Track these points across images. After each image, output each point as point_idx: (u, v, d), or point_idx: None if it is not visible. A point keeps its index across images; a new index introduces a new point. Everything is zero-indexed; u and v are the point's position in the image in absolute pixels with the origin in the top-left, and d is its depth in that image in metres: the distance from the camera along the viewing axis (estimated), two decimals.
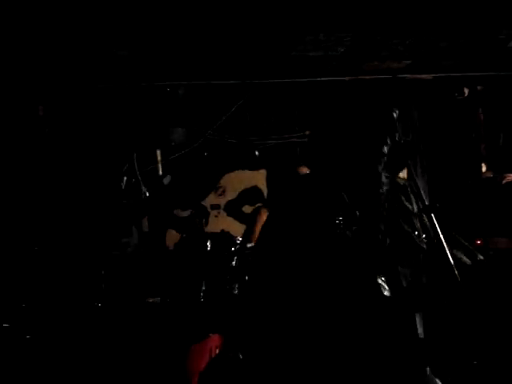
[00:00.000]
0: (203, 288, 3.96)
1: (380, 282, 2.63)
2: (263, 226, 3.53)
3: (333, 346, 2.65)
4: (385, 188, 2.78)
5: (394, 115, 2.84)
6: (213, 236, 4.29)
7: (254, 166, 5.39)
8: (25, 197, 4.88)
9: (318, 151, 3.36)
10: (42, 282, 4.52)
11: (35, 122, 4.98)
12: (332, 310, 2.67)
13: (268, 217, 3.57)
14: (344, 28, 4.53)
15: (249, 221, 4.57)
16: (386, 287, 2.63)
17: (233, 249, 4.05)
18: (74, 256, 4.79)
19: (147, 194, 5.06)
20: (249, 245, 4.02)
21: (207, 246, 4.07)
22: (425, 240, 2.81)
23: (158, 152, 5.29)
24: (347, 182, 2.86)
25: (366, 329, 2.61)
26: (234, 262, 3.99)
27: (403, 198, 2.93)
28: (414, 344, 2.58)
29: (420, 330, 2.58)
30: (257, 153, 5.09)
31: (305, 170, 4.26)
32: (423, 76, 4.99)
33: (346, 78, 4.79)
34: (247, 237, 4.22)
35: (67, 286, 4.57)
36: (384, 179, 2.78)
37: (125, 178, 5.04)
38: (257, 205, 5.27)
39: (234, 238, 4.19)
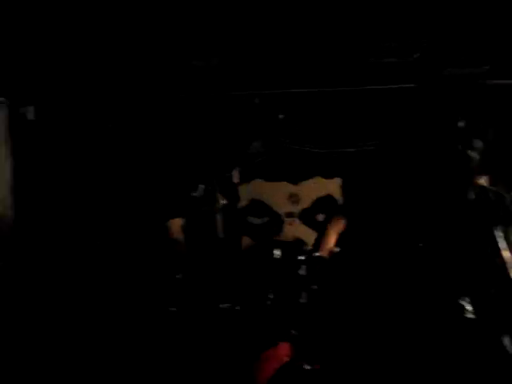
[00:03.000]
0: (271, 296, 3.97)
1: (463, 303, 2.53)
2: (341, 236, 3.50)
3: (408, 364, 2.58)
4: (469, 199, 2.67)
5: (460, 124, 2.75)
6: (283, 244, 4.30)
7: (328, 175, 5.36)
8: (100, 201, 5.06)
9: (393, 160, 3.29)
10: (119, 287, 4.67)
11: (114, 133, 5.15)
12: (409, 328, 2.60)
13: (346, 228, 3.54)
14: (420, 33, 4.46)
15: (320, 229, 4.54)
16: (470, 309, 2.53)
17: (301, 257, 4.03)
18: (150, 261, 4.92)
19: (223, 202, 5.12)
20: (317, 254, 4.00)
21: (276, 254, 4.08)
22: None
23: (235, 160, 5.34)
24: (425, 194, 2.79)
25: (444, 348, 2.52)
26: (302, 271, 3.98)
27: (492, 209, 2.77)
28: (503, 366, 2.46)
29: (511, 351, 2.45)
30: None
31: None
32: (503, 81, 4.82)
33: (422, 85, 4.70)
34: (317, 246, 4.20)
35: (143, 289, 4.70)
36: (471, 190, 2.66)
37: (201, 186, 5.12)
38: (331, 213, 5.23)
39: (303, 247, 4.17)
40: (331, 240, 4.24)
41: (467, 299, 2.50)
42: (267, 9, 4.46)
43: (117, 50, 4.62)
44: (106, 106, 5.08)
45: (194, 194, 5.08)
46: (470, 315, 2.48)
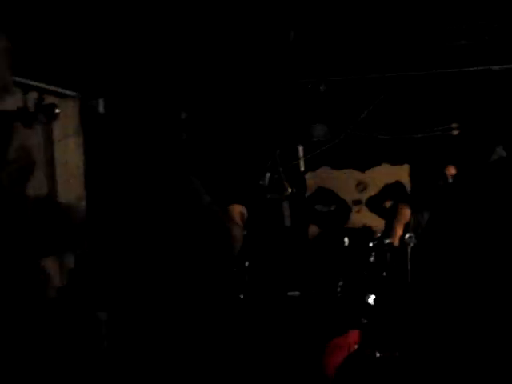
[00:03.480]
0: (341, 283, 3.96)
1: None
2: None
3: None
4: None
5: None
6: (352, 231, 4.28)
7: (396, 161, 5.29)
8: (167, 193, 5.12)
9: (470, 147, 3.19)
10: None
11: (178, 126, 5.20)
12: (492, 322, 2.51)
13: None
14: (490, 15, 4.34)
15: (388, 216, 4.49)
16: None
17: (371, 244, 4.01)
18: (221, 251, 4.96)
19: (290, 190, 5.13)
20: (387, 241, 3.96)
21: (345, 242, 4.07)
22: None
23: (301, 148, 5.34)
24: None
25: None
26: (371, 258, 3.96)
27: None
28: None
29: None
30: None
31: (453, 171, 4.12)
32: None
33: (494, 68, 4.57)
34: (386, 233, 4.16)
35: (214, 278, 4.75)
36: None
37: (268, 174, 5.14)
38: (399, 200, 5.17)
39: (372, 234, 4.14)
40: (400, 227, 4.20)
41: None
42: None
43: (184, 40, 4.66)
44: (175, 97, 5.14)
45: (261, 182, 5.10)
46: None
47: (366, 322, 3.99)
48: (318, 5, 4.47)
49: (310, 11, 4.51)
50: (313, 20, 4.60)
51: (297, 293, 4.34)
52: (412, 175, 5.22)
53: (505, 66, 4.47)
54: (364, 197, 5.39)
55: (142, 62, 4.74)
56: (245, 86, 5.10)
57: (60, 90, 5.02)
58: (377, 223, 5.08)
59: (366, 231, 4.46)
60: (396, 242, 4.03)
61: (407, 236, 3.82)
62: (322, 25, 4.65)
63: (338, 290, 3.97)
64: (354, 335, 4.01)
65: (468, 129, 4.81)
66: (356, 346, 3.96)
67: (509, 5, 4.09)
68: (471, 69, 4.61)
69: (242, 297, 4.52)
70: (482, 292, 2.57)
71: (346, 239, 4.07)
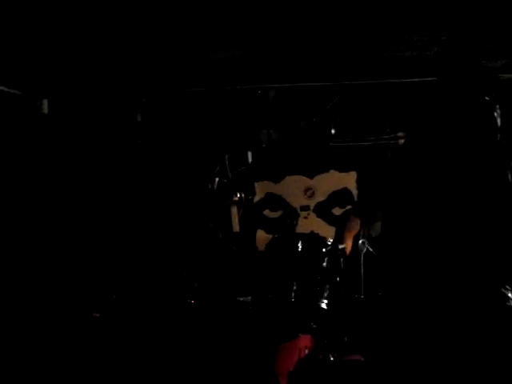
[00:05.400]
0: (294, 288, 3.99)
1: (504, 291, 2.51)
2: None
3: (448, 357, 2.54)
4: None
5: (495, 114, 2.73)
6: (303, 237, 4.31)
7: (344, 168, 5.38)
8: (115, 198, 5.05)
9: (414, 154, 3.27)
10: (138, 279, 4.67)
11: (133, 128, 5.15)
12: (449, 317, 2.57)
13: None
14: (438, 27, 4.46)
15: (338, 224, 4.56)
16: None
17: (324, 250, 4.05)
18: (168, 255, 4.92)
19: (238, 195, 5.14)
20: (340, 246, 4.02)
21: (298, 247, 4.10)
22: None
23: (249, 153, 5.35)
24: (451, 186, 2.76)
25: (491, 340, 2.49)
26: (324, 263, 4.00)
27: None
28: None
29: None
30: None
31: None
32: None
33: (439, 79, 4.71)
34: (338, 238, 4.22)
35: (161, 283, 4.70)
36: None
37: (216, 179, 5.14)
38: (347, 207, 5.26)
39: (324, 239, 4.19)
40: (350, 234, 4.26)
41: (509, 287, 2.49)
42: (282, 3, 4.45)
43: (131, 42, 4.60)
44: (120, 100, 5.07)
45: (210, 187, 5.09)
46: None
47: (316, 326, 4.03)
48: (269, 13, 4.49)
49: (260, 19, 4.52)
50: (264, 27, 4.62)
51: (248, 298, 4.34)
52: (359, 182, 5.32)
53: (452, 77, 4.60)
54: (312, 203, 5.44)
55: (93, 63, 4.66)
56: (195, 92, 5.08)
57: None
58: (324, 229, 5.14)
59: (315, 237, 4.50)
60: (348, 248, 4.09)
61: (360, 242, 3.89)
62: (273, 32, 4.67)
63: (292, 294, 3.99)
64: (305, 339, 4.04)
65: (414, 138, 4.92)
66: (307, 351, 4.00)
67: (457, 17, 4.22)
68: (419, 79, 4.74)
69: (192, 302, 4.50)
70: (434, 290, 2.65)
71: (300, 244, 4.10)
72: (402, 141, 4.97)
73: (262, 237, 5.34)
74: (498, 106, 2.69)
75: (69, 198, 4.95)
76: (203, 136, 5.27)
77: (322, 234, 5.13)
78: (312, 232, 5.28)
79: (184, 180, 5.17)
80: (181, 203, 5.08)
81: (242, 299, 4.43)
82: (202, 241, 4.97)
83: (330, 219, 5.34)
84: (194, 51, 4.63)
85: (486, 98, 2.68)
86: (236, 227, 5.15)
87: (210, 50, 4.55)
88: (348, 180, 5.37)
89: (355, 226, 4.28)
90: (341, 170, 5.40)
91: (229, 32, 4.34)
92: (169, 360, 4.26)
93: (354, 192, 5.35)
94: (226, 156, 5.18)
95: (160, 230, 5.00)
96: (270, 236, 5.05)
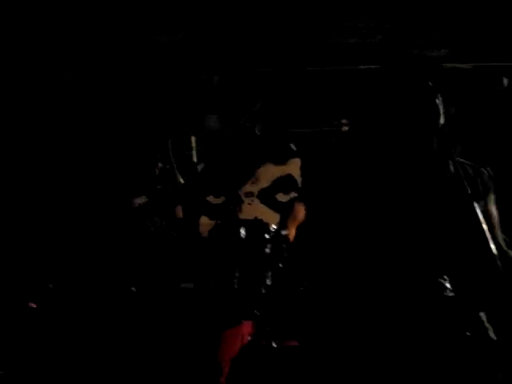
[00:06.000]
0: (237, 275, 3.95)
1: (442, 281, 2.53)
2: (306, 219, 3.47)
3: (384, 347, 2.55)
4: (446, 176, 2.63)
5: (437, 101, 2.73)
6: (247, 223, 4.28)
7: (287, 157, 5.37)
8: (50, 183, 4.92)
9: (358, 141, 3.27)
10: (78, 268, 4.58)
11: (67, 113, 5.01)
12: (384, 308, 2.58)
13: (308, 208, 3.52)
14: (383, 15, 4.48)
15: (283, 211, 4.54)
16: (449, 287, 2.52)
17: (267, 236, 4.03)
18: (108, 241, 4.83)
19: (182, 181, 5.07)
20: (283, 232, 4.00)
21: (241, 233, 4.06)
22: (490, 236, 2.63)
23: (193, 139, 5.28)
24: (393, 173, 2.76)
25: (425, 330, 2.51)
26: (267, 250, 3.98)
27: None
28: (484, 348, 2.45)
29: (491, 333, 2.44)
30: (293, 146, 5.07)
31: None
32: (462, 65, 4.91)
33: (383, 66, 4.73)
34: (282, 225, 4.20)
35: (102, 271, 4.62)
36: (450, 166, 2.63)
37: (159, 165, 5.05)
38: (291, 193, 5.25)
39: (268, 226, 4.16)
40: (295, 221, 4.25)
41: (446, 277, 2.51)
42: None
43: (75, 23, 4.47)
44: (63, 81, 4.93)
45: (153, 173, 5.01)
46: (450, 293, 2.49)
47: (260, 313, 4.01)
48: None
49: (203, 5, 4.46)
50: (207, 12, 4.56)
51: (191, 285, 4.29)
52: (303, 169, 5.32)
53: (396, 65, 4.63)
54: (256, 189, 5.42)
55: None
56: (138, 75, 4.98)
57: None
58: (268, 215, 5.12)
59: (259, 223, 4.47)
60: (292, 234, 4.08)
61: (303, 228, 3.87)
62: (217, 17, 4.61)
63: (235, 281, 3.96)
64: (247, 326, 4.02)
65: (358, 125, 4.95)
66: (249, 337, 3.98)
67: (401, 5, 4.25)
68: (364, 67, 4.76)
69: (133, 290, 4.43)
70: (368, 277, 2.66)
71: (243, 230, 4.06)
72: (346, 128, 4.99)
73: (205, 223, 5.28)
74: (439, 94, 2.70)
75: None
76: (146, 121, 5.18)
77: (266, 220, 5.11)
78: (256, 218, 5.26)
79: (126, 166, 5.07)
80: (121, 189, 4.98)
81: (184, 286, 4.38)
82: (142, 227, 4.89)
83: (273, 205, 5.33)
84: (137, 33, 4.55)
85: (429, 84, 2.67)
86: (179, 213, 5.09)
87: (153, 32, 4.47)
88: (292, 167, 5.36)
89: (299, 213, 4.27)
90: (285, 158, 5.39)
91: (171, 15, 4.27)
92: (108, 349, 4.19)
93: (298, 179, 5.35)
94: (170, 141, 5.10)
95: (98, 216, 4.89)
96: (214, 222, 5.01)
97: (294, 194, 5.13)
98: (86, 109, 5.11)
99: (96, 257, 4.70)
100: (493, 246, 2.31)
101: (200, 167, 5.29)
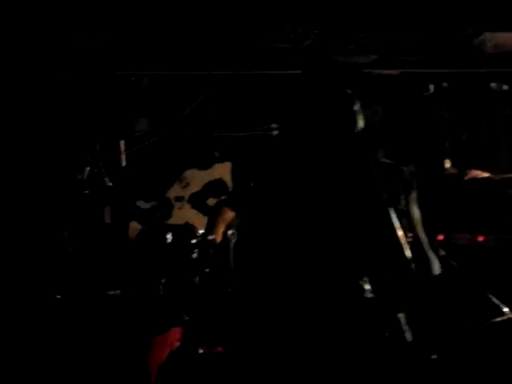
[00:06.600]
0: (163, 280, 3.90)
1: (361, 283, 2.56)
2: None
3: (310, 348, 2.57)
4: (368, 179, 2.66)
5: (355, 108, 2.79)
6: (174, 228, 4.23)
7: (211, 162, 5.36)
8: None
9: (286, 144, 3.30)
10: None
11: None
12: (309, 310, 2.60)
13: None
14: (311, 21, 4.51)
15: (210, 214, 4.51)
16: (369, 288, 2.55)
17: (194, 241, 3.99)
18: (33, 247, 4.71)
19: (110, 185, 4.98)
20: (210, 237, 3.96)
21: (167, 239, 4.01)
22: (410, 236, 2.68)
23: (122, 142, 5.21)
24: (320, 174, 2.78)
25: (348, 331, 2.53)
26: (194, 255, 3.94)
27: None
28: (401, 348, 2.50)
29: (407, 334, 2.48)
30: (216, 154, 5.06)
31: None
32: (390, 71, 4.99)
33: (312, 72, 4.77)
34: (208, 229, 4.17)
35: (27, 278, 4.50)
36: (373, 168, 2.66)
37: (87, 168, 4.95)
38: (221, 197, 5.23)
39: (194, 231, 4.13)
40: (222, 224, 4.23)
41: (366, 279, 2.55)
42: None
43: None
44: None
45: (80, 177, 4.91)
46: (370, 295, 2.53)
47: (188, 318, 3.98)
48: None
49: (130, 6, 4.40)
50: (134, 13, 4.50)
51: (117, 291, 4.22)
52: (233, 173, 5.31)
53: (325, 71, 4.68)
54: (186, 193, 5.38)
55: None
56: (65, 77, 4.87)
57: None
58: (199, 220, 5.09)
59: (188, 228, 4.43)
60: (218, 239, 4.05)
61: (230, 232, 3.86)
62: (145, 18, 4.56)
63: (161, 287, 3.91)
64: (175, 333, 3.98)
65: (284, 130, 4.97)
66: (178, 344, 3.94)
67: (329, 11, 4.28)
68: (292, 72, 4.78)
69: (58, 297, 4.34)
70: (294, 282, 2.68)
71: (169, 236, 4.01)
72: (276, 132, 5.01)
73: (134, 228, 5.21)
74: (358, 101, 2.74)
75: None
76: (74, 124, 5.07)
77: (196, 224, 5.08)
78: (187, 223, 5.22)
79: (51, 170, 4.95)
80: (46, 195, 4.87)
81: (111, 293, 4.30)
82: (69, 231, 4.79)
83: (204, 210, 5.30)
84: (63, 33, 4.45)
85: (347, 92, 2.72)
86: (107, 218, 5.01)
87: (77, 34, 4.38)
88: (223, 170, 5.35)
89: (227, 216, 4.25)
90: (215, 161, 5.38)
91: (96, 15, 4.19)
92: (34, 358, 4.09)
93: (229, 183, 5.34)
94: (98, 145, 5.00)
95: (21, 221, 4.77)
96: (143, 227, 4.95)
97: (221, 198, 5.12)
98: (10, 111, 4.98)
99: (20, 263, 4.58)
100: (407, 251, 2.35)
101: (129, 171, 5.21)
